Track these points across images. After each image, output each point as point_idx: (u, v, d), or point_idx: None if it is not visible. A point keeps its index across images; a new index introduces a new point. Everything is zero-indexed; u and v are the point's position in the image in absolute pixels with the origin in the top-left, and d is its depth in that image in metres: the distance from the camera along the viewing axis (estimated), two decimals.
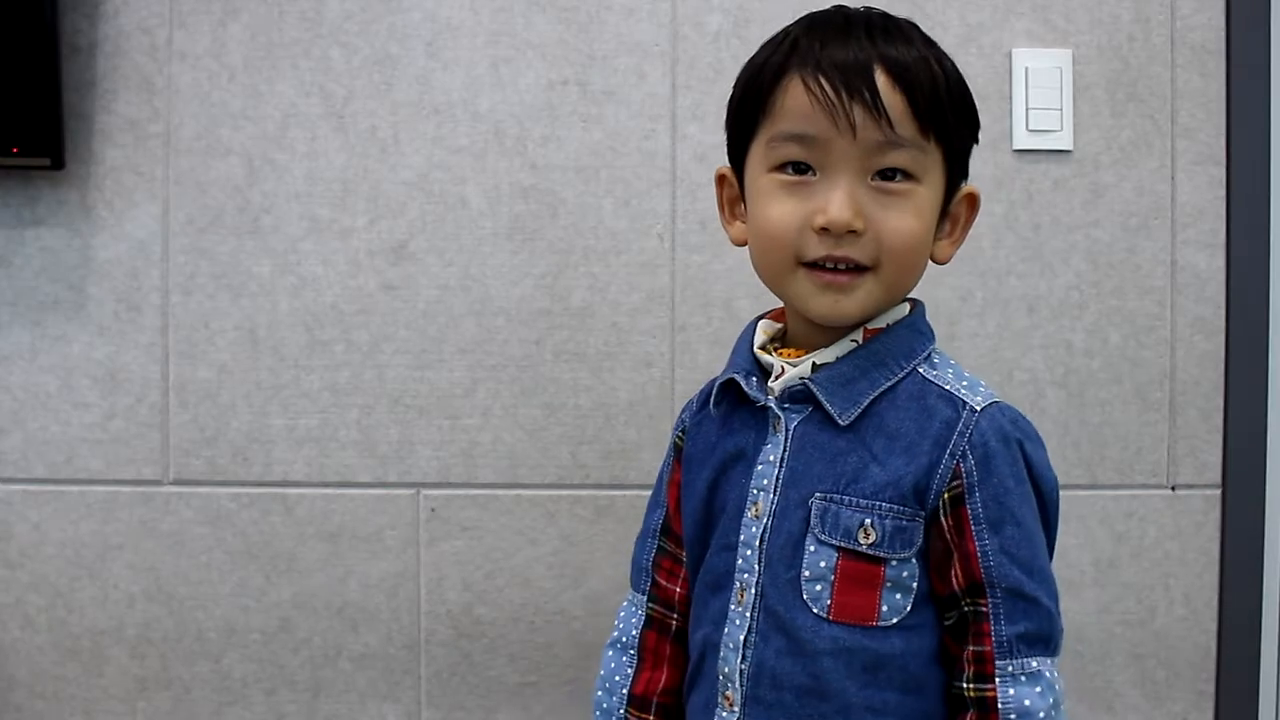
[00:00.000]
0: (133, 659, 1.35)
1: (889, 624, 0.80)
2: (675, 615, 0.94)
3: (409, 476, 1.34)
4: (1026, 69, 1.34)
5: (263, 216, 1.34)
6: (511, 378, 1.34)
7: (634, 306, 1.33)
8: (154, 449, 1.34)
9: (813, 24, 0.83)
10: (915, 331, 0.86)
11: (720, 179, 0.90)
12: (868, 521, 0.80)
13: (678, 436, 0.95)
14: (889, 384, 0.83)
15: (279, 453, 1.34)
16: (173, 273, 1.34)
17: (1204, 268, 1.35)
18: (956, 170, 0.84)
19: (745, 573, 0.83)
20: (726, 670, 0.83)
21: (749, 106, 0.83)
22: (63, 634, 1.35)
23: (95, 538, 1.34)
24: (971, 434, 0.80)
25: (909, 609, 0.81)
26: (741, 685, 0.82)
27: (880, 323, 0.84)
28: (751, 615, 0.82)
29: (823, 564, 0.80)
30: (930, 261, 0.86)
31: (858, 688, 0.80)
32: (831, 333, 0.84)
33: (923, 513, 0.80)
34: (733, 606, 0.83)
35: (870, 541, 0.80)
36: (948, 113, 0.81)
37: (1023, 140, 1.34)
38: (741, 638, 0.82)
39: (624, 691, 0.93)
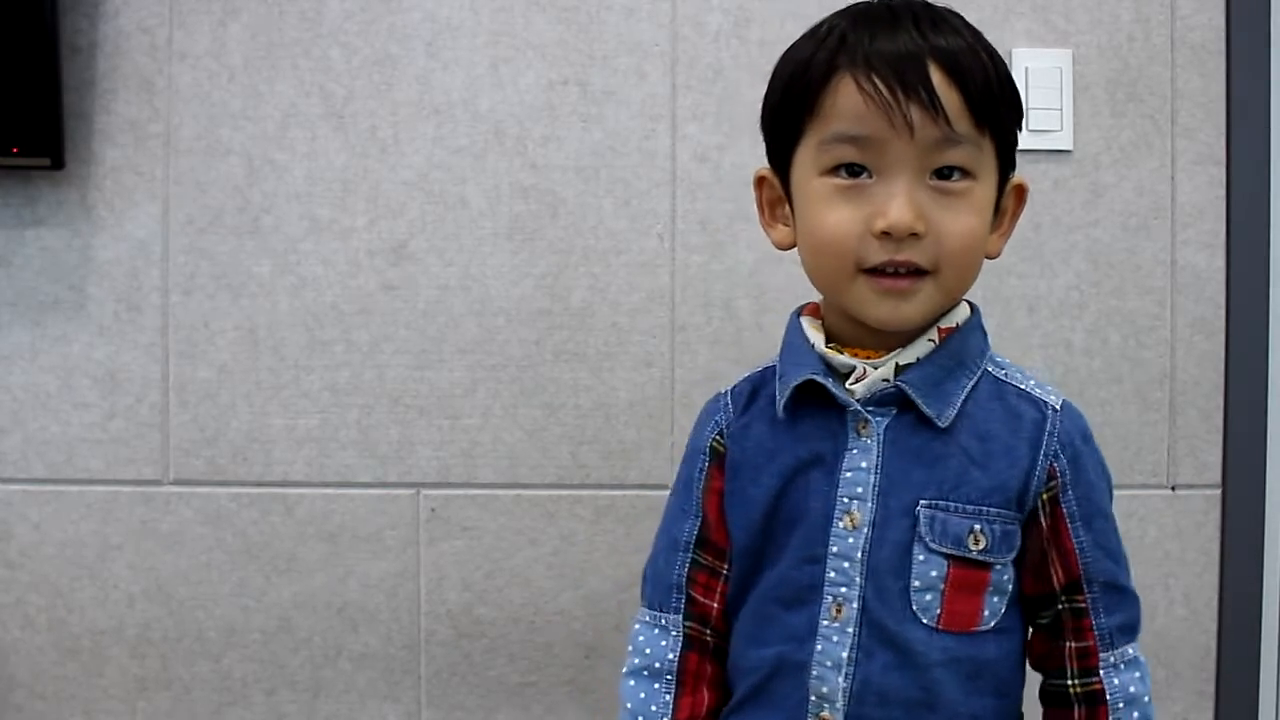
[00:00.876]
0: (133, 659, 1.35)
1: (987, 629, 0.80)
2: (710, 632, 0.88)
3: (409, 476, 1.34)
4: (1026, 69, 1.34)
5: (263, 216, 1.34)
6: (511, 378, 1.34)
7: (634, 306, 1.33)
8: (154, 449, 1.34)
9: (857, 16, 0.80)
10: (981, 332, 0.86)
11: (760, 180, 0.87)
12: (977, 528, 0.79)
13: (715, 441, 0.88)
14: (972, 384, 0.82)
15: (279, 453, 1.34)
16: (173, 273, 1.34)
17: (1204, 268, 1.35)
18: (1007, 162, 0.83)
19: (842, 586, 0.80)
20: (825, 690, 0.79)
21: (794, 106, 0.80)
22: (63, 634, 1.35)
23: (95, 538, 1.34)
24: (1059, 434, 0.81)
25: (1003, 612, 0.81)
26: (845, 704, 0.79)
27: (951, 322, 0.83)
28: (854, 631, 0.79)
29: (933, 573, 0.79)
30: (985, 258, 0.84)
31: (963, 696, 0.80)
32: (882, 335, 0.81)
33: (1022, 515, 0.80)
34: (825, 622, 0.80)
35: (980, 548, 0.79)
36: (999, 104, 0.79)
37: (1023, 140, 1.31)
38: (844, 654, 0.79)
39: None
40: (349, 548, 1.34)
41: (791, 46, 0.83)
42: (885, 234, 0.76)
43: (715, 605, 0.88)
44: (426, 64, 1.34)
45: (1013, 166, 0.84)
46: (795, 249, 0.85)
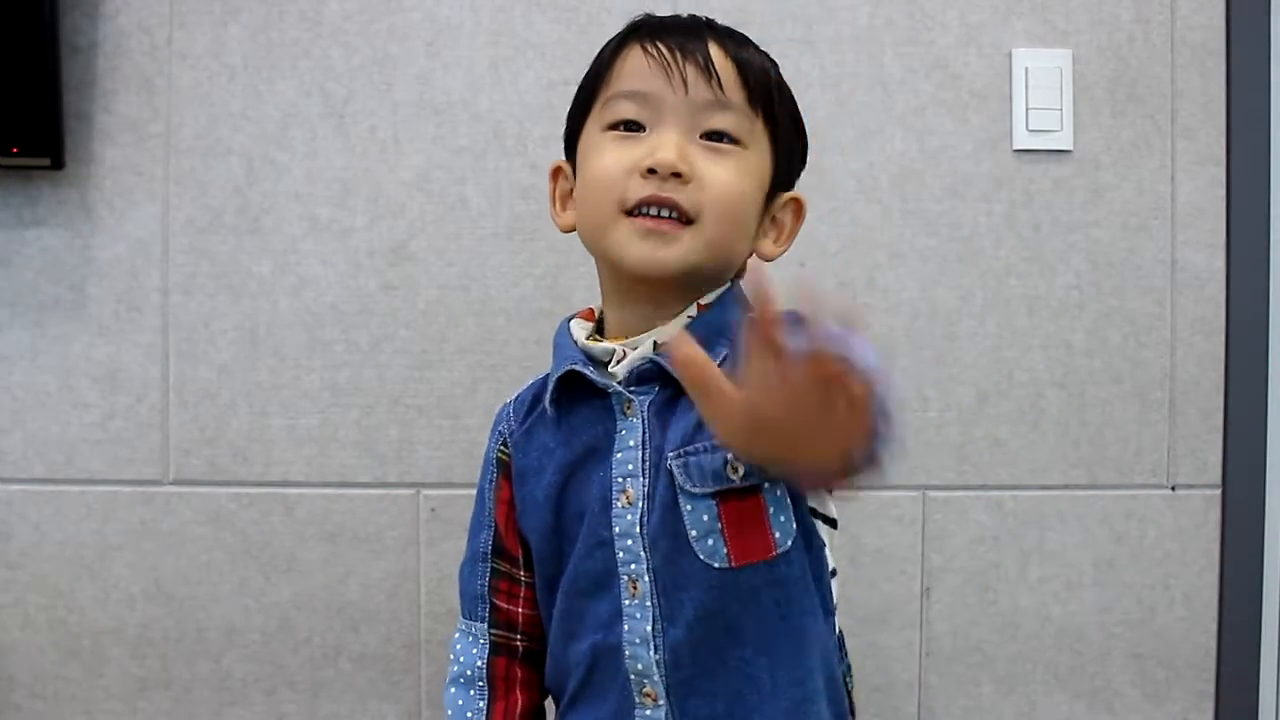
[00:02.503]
0: (133, 659, 1.35)
1: (785, 549, 0.80)
2: (519, 637, 0.91)
3: (409, 476, 1.34)
4: (1026, 69, 1.34)
5: (263, 216, 1.34)
6: (512, 378, 1.34)
7: None
8: (154, 449, 1.34)
9: (650, 17, 0.88)
10: (742, 304, 0.85)
11: (555, 172, 0.92)
12: (730, 456, 0.78)
13: (500, 451, 0.92)
14: (728, 351, 0.81)
15: (279, 453, 1.34)
16: (173, 273, 1.34)
17: (1204, 268, 1.35)
18: (782, 169, 0.86)
19: (632, 563, 0.81)
20: (640, 667, 0.81)
21: (587, 87, 0.87)
22: (63, 634, 1.35)
23: (95, 538, 1.34)
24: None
25: (795, 530, 0.81)
26: (662, 675, 0.81)
27: (709, 299, 0.84)
28: (652, 604, 0.81)
29: (705, 517, 0.79)
30: (759, 258, 0.87)
31: (778, 621, 0.80)
32: (649, 318, 0.83)
33: None
34: (626, 602, 0.81)
35: (740, 474, 0.79)
36: (776, 101, 0.84)
37: (1023, 140, 1.34)
38: (648, 628, 0.81)
39: None
40: (349, 548, 1.34)
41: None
42: (651, 172, 0.80)
43: (520, 610, 0.91)
44: (426, 64, 1.34)
45: (790, 186, 0.89)
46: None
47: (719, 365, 0.74)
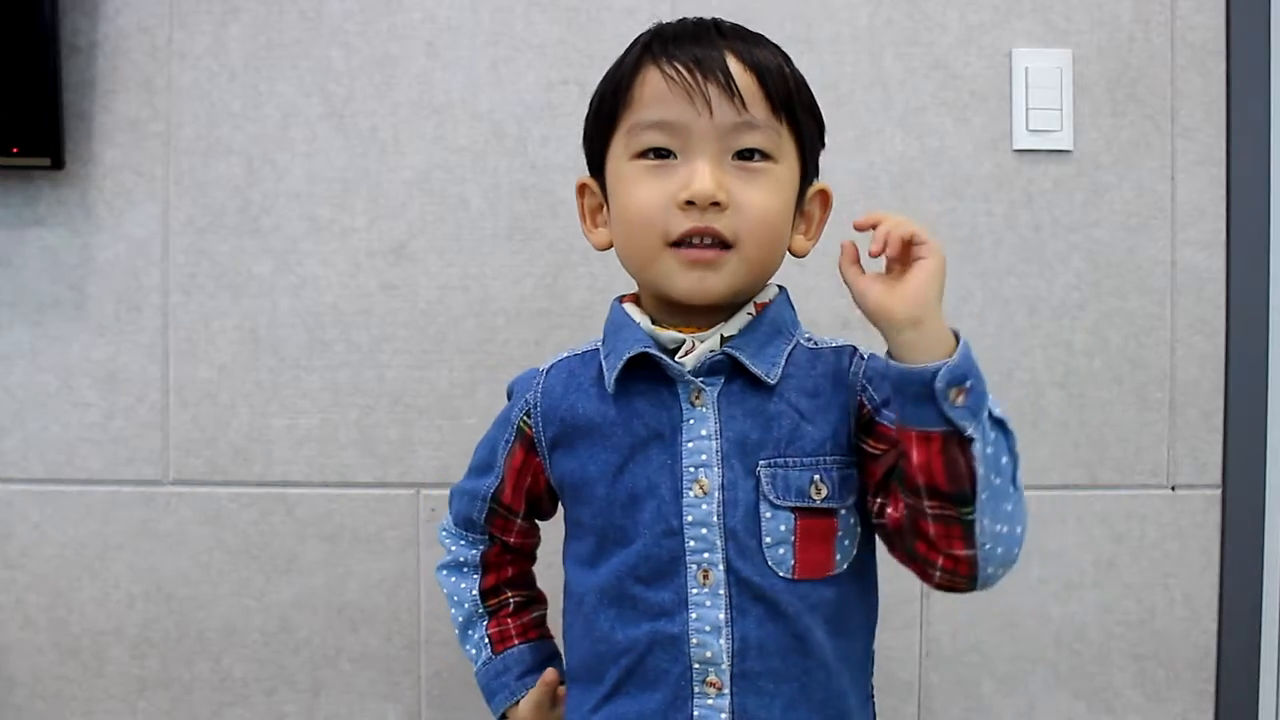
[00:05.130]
0: (133, 659, 1.35)
1: (841, 572, 0.85)
2: (511, 543, 0.99)
3: (409, 476, 1.34)
4: (1026, 69, 1.34)
5: (263, 216, 1.34)
6: (511, 377, 1.34)
7: None
8: (154, 449, 1.34)
9: (663, 28, 0.87)
10: (791, 308, 0.90)
11: (581, 189, 0.93)
12: (817, 478, 0.83)
13: (523, 420, 0.93)
14: (790, 348, 0.87)
15: (279, 453, 1.34)
16: (173, 273, 1.34)
17: (1204, 268, 1.35)
18: (809, 164, 0.88)
19: (705, 552, 0.83)
20: (708, 655, 0.83)
21: (607, 106, 0.87)
22: (63, 634, 1.35)
23: (95, 538, 1.34)
24: (863, 372, 0.86)
25: (854, 554, 0.86)
26: (730, 664, 0.83)
27: (765, 298, 0.88)
28: (725, 593, 0.83)
29: (782, 528, 0.83)
30: (790, 255, 0.89)
31: (828, 638, 0.84)
32: (696, 316, 0.86)
33: (854, 457, 0.85)
34: (694, 591, 0.83)
35: (823, 496, 0.83)
36: (796, 100, 0.85)
37: (1023, 140, 1.34)
38: (720, 616, 0.83)
39: (474, 593, 0.99)
40: (349, 548, 1.34)
41: (607, 71, 0.90)
42: (689, 204, 0.81)
43: (512, 538, 0.99)
44: (426, 64, 1.34)
45: (815, 173, 0.90)
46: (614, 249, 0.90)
47: (785, 359, 0.86)
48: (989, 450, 0.75)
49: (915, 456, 0.76)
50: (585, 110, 1.33)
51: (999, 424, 0.77)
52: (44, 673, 1.35)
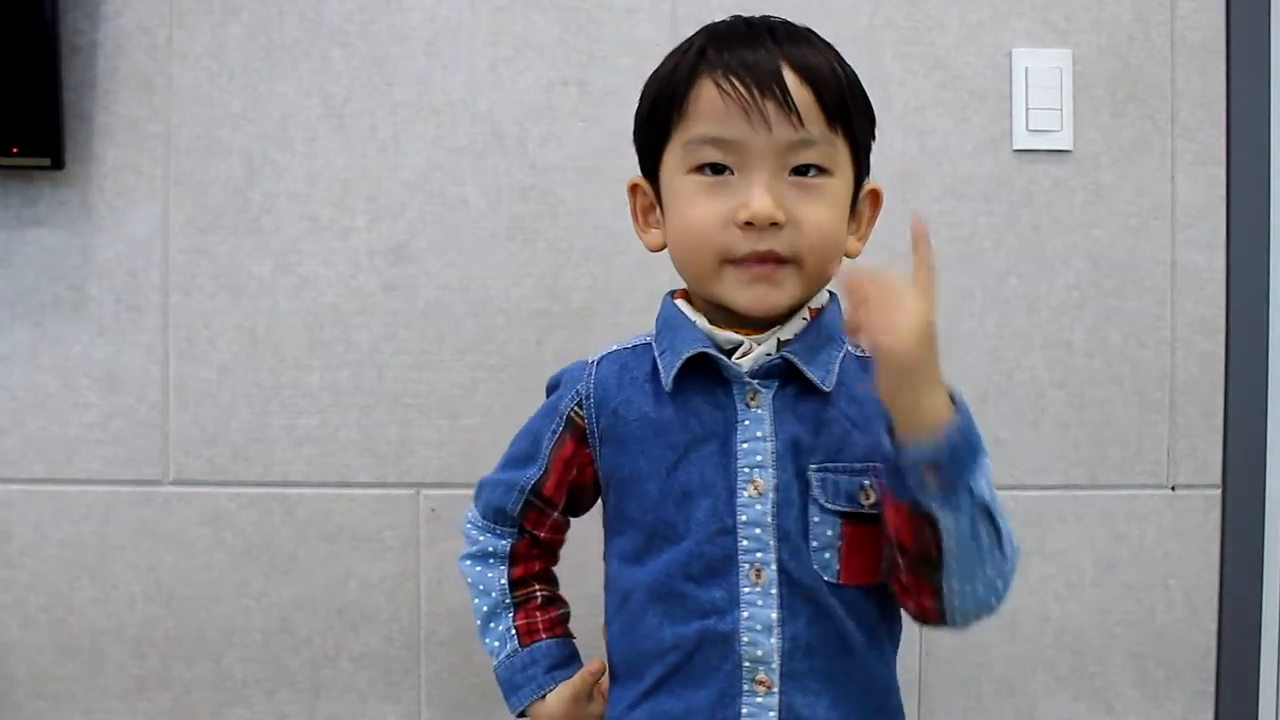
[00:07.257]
0: (133, 659, 1.35)
1: (884, 580, 0.85)
2: (541, 537, 0.97)
3: (409, 476, 1.34)
4: (1026, 69, 1.34)
5: (263, 216, 1.34)
6: (511, 378, 1.34)
7: (634, 306, 1.33)
8: (154, 449, 1.34)
9: (716, 32, 0.86)
10: (840, 313, 0.89)
11: (633, 189, 0.92)
12: (866, 483, 0.84)
13: (575, 411, 0.92)
14: (841, 355, 0.87)
15: (279, 453, 1.34)
16: (173, 273, 1.34)
17: (1204, 268, 1.35)
18: (861, 166, 0.88)
19: (758, 551, 0.83)
20: (759, 653, 0.83)
21: (661, 112, 0.86)
22: (63, 634, 1.35)
23: (95, 538, 1.34)
24: None
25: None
26: (780, 663, 0.83)
27: (818, 304, 0.88)
28: (777, 592, 0.83)
29: (829, 533, 0.84)
30: (845, 257, 0.88)
31: (867, 643, 0.86)
32: (750, 321, 0.86)
33: None
34: (746, 589, 0.83)
35: (871, 502, 0.84)
36: (851, 107, 0.85)
37: (1023, 140, 1.34)
38: (773, 615, 0.83)
39: (503, 583, 0.96)
40: (349, 548, 1.34)
41: (658, 66, 0.89)
42: (748, 224, 0.81)
43: (544, 532, 0.97)
44: (426, 64, 1.34)
45: (867, 171, 0.90)
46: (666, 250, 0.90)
47: (838, 367, 0.86)
48: (962, 526, 0.75)
49: (887, 513, 0.78)
50: (585, 110, 1.34)
51: (983, 508, 0.76)
52: (44, 672, 1.35)
